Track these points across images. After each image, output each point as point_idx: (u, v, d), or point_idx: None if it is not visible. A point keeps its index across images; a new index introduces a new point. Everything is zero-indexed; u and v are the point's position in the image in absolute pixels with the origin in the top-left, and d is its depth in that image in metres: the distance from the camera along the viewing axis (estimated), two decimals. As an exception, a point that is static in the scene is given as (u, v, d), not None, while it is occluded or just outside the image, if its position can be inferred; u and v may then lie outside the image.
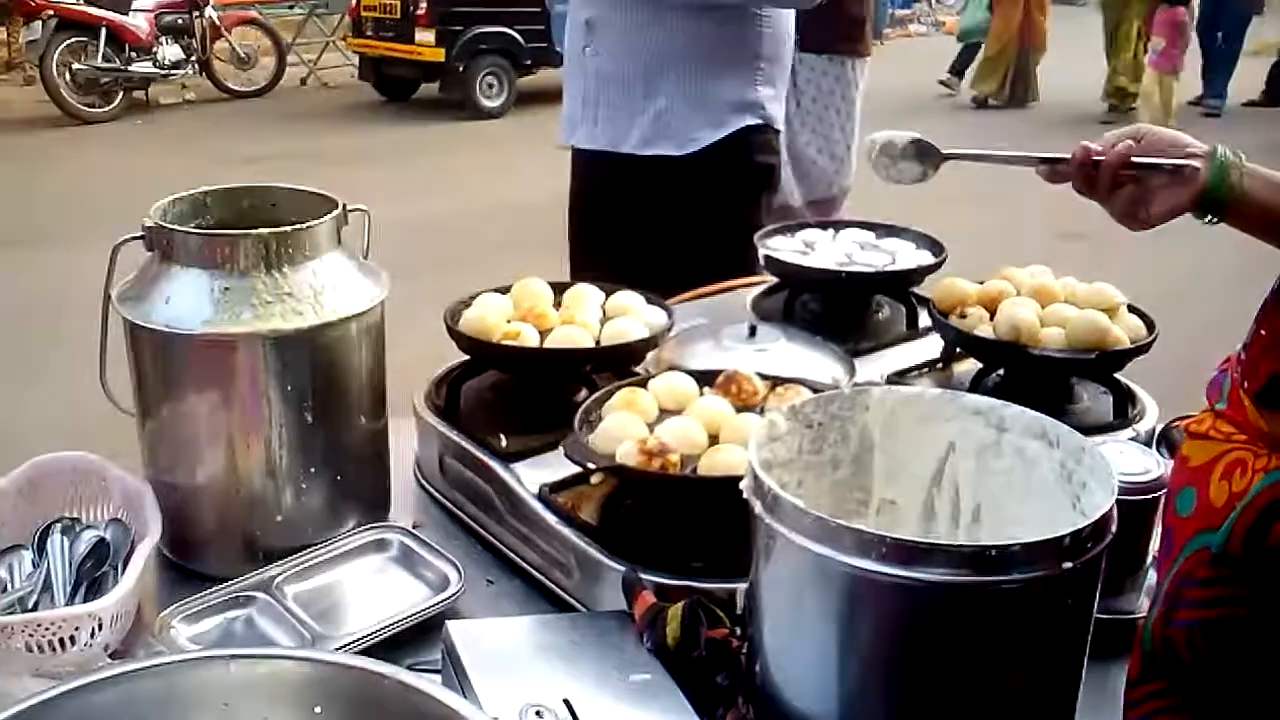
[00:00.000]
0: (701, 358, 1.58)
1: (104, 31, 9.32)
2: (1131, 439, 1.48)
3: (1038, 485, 1.05)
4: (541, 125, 9.85)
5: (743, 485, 0.98)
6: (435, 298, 1.62)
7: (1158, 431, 1.54)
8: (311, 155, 8.37)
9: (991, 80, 11.20)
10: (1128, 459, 1.25)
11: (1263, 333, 1.03)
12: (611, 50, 2.34)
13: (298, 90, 11.54)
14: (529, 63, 10.38)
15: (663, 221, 2.40)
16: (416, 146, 9.03)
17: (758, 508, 0.95)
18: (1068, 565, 0.86)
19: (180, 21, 10.16)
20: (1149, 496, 1.23)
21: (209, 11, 10.22)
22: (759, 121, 2.37)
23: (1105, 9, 10.83)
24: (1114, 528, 0.90)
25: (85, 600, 1.21)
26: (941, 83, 11.76)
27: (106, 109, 9.49)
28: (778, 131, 2.44)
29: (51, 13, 9.18)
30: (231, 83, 10.91)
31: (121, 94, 9.67)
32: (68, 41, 9.26)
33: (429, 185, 7.64)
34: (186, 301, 1.23)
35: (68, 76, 9.29)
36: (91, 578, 1.25)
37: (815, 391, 1.34)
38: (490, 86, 10.33)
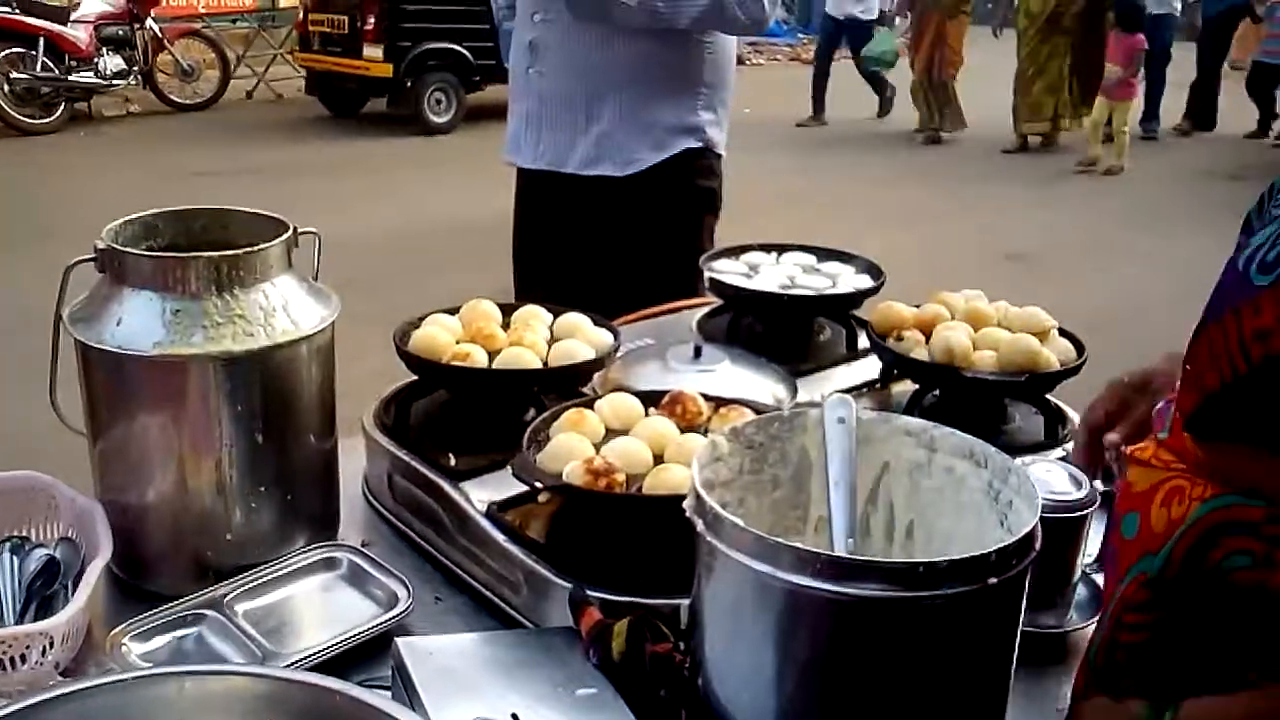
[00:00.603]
0: (648, 378, 1.62)
1: (42, 41, 9.22)
2: (1061, 458, 1.54)
3: (967, 503, 1.10)
4: (490, 141, 9.84)
5: (685, 504, 1.01)
6: (381, 314, 1.64)
7: (1086, 450, 1.59)
8: (258, 169, 8.34)
9: (915, 110, 11.06)
10: (1055, 478, 1.30)
11: (1187, 367, 1.07)
12: (555, 71, 2.38)
13: (243, 103, 11.47)
14: (477, 79, 10.40)
15: (606, 241, 2.44)
16: (364, 162, 9.02)
17: (699, 525, 0.98)
18: (993, 580, 0.90)
19: (121, 33, 10.08)
20: (1076, 515, 1.27)
21: (150, 23, 10.13)
22: (699, 145, 2.42)
23: (1022, 36, 10.37)
24: (1038, 545, 0.95)
25: (35, 619, 1.22)
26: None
27: (48, 120, 9.38)
28: (719, 156, 2.49)
29: (-13, 23, 9.08)
30: (175, 95, 10.83)
31: (63, 105, 9.57)
32: (5, 51, 9.15)
33: (376, 201, 7.64)
34: (138, 323, 1.25)
35: (5, 87, 9.17)
36: (41, 596, 1.26)
37: (757, 413, 1.38)
38: (439, 102, 10.35)
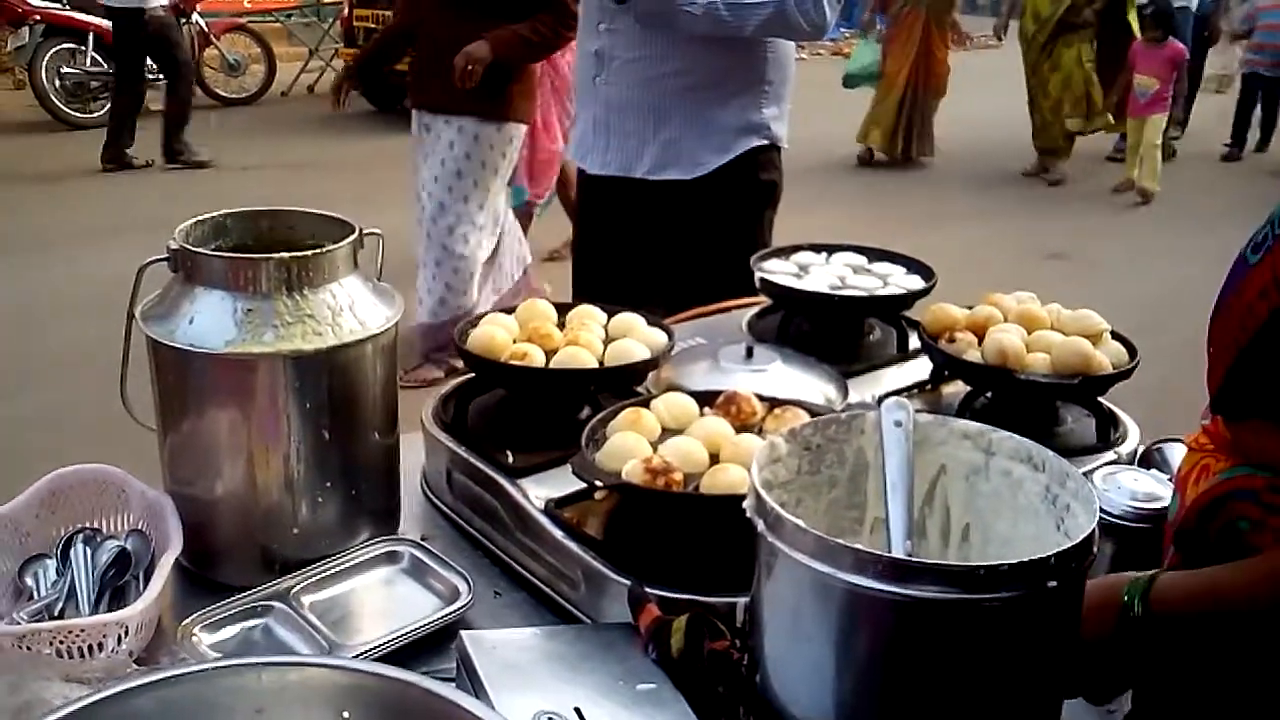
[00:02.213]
0: (700, 377, 1.64)
1: (92, 37, 9.33)
2: (1113, 460, 1.55)
3: (1023, 507, 1.11)
4: (532, 136, 9.88)
5: (746, 505, 1.03)
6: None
7: (1139, 453, 1.59)
8: (305, 164, 8.41)
9: (877, 130, 9.14)
10: (1142, 485, 1.32)
11: (1210, 350, 1.13)
12: (622, 80, 2.41)
13: (287, 98, 11.56)
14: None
15: (669, 241, 2.48)
16: (408, 157, 9.06)
17: (760, 526, 1.00)
18: (1052, 584, 0.92)
19: (168, 28, 10.16)
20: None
21: (196, 18, 10.23)
22: (765, 142, 2.45)
23: (1030, 42, 8.78)
24: (1095, 549, 0.96)
25: (109, 608, 1.26)
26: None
27: (97, 114, 9.51)
28: (780, 149, 2.52)
29: (39, 18, 9.20)
30: (221, 89, 10.93)
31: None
32: (57, 47, 9.27)
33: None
34: (210, 321, 1.28)
35: (57, 82, 9.30)
36: (114, 586, 1.30)
37: (811, 413, 1.40)
38: (481, 96, 10.37)
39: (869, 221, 6.89)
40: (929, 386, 1.76)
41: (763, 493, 1.01)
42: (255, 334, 1.28)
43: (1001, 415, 1.62)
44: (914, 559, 0.93)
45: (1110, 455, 1.56)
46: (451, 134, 4.11)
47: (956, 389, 1.74)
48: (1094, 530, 0.96)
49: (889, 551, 1.03)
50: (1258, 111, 10.00)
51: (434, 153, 4.18)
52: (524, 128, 4.30)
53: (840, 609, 0.96)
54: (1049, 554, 0.92)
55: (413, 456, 1.62)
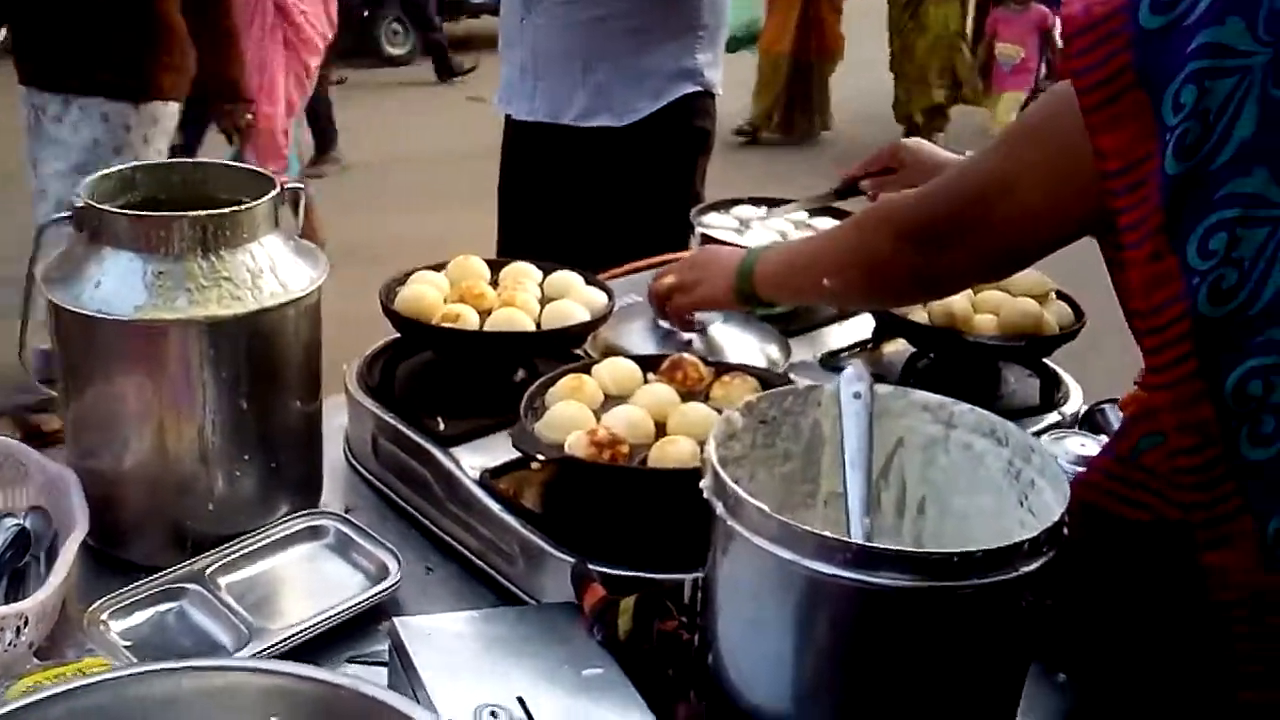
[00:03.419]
0: (639, 336, 1.58)
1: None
2: (1057, 422, 1.53)
3: (984, 480, 1.07)
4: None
5: (703, 484, 0.98)
6: (343, 254, 1.57)
7: (1082, 413, 1.57)
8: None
9: (759, 104, 7.87)
10: (1090, 450, 1.30)
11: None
12: (551, 23, 2.32)
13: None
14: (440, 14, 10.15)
15: (599, 191, 2.40)
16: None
17: (719, 509, 0.95)
18: (1026, 569, 0.88)
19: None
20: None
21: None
22: (699, 88, 2.39)
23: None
24: (1066, 530, 0.92)
25: (7, 593, 1.17)
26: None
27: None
28: (714, 96, 2.45)
29: None
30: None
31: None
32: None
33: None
34: (118, 285, 1.18)
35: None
36: (12, 569, 1.20)
37: (760, 379, 1.35)
38: (395, 34, 10.10)
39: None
40: (871, 345, 1.72)
41: (722, 473, 0.95)
42: (167, 298, 1.18)
43: (946, 375, 1.59)
44: (887, 547, 0.88)
45: (1054, 416, 1.54)
46: (73, 116, 3.11)
47: (898, 347, 1.70)
48: (1064, 512, 0.92)
49: (847, 529, 0.99)
50: None
51: (55, 141, 3.16)
52: (174, 106, 3.25)
53: (804, 596, 0.91)
54: (1023, 539, 0.88)
55: (334, 420, 1.53)
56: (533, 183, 2.51)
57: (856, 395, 1.07)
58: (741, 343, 1.60)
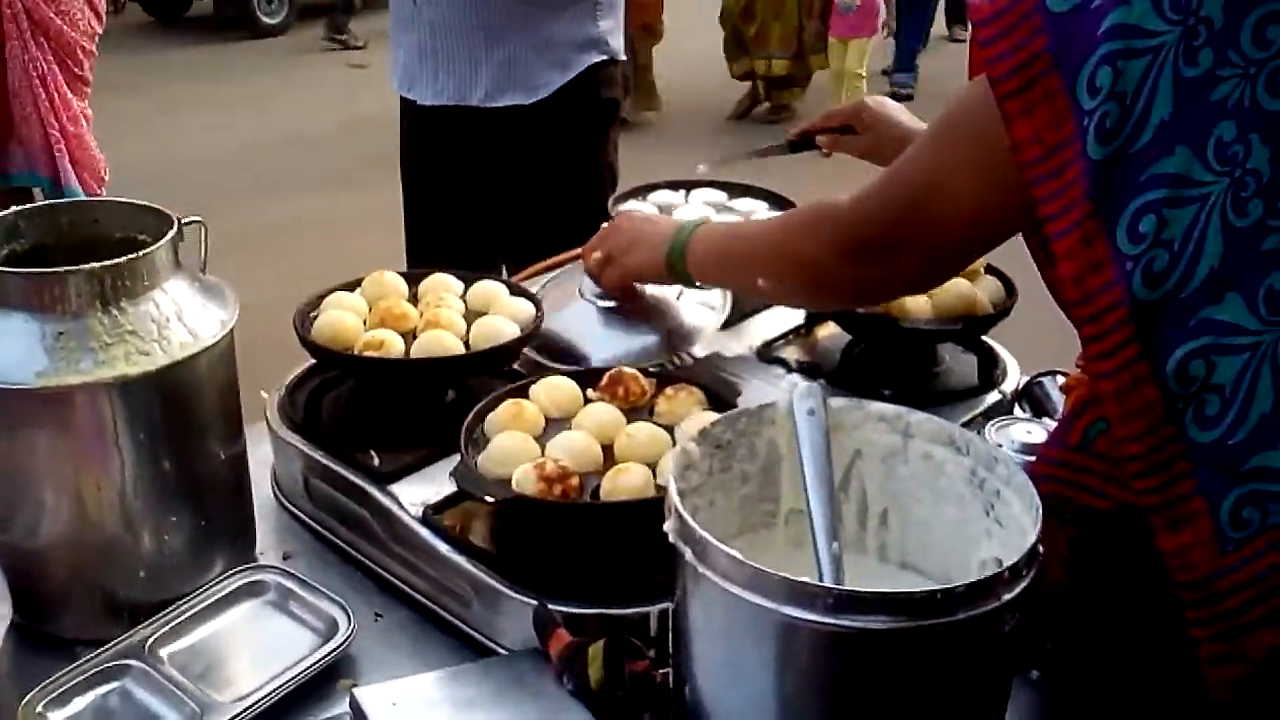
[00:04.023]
0: (575, 322, 1.55)
1: None
2: (997, 401, 1.52)
3: (947, 490, 1.05)
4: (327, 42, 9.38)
5: (667, 527, 0.94)
6: (226, 246, 1.48)
7: (1020, 388, 1.57)
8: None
9: None
10: (1037, 435, 1.29)
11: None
12: (448, 1, 2.23)
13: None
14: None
15: (511, 174, 2.35)
16: (190, 71, 8.47)
17: (688, 554, 0.91)
18: (1007, 596, 0.86)
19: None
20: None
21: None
22: (604, 57, 2.34)
23: None
24: (1041, 549, 0.91)
25: (-74, 691, 1.09)
26: None
27: None
28: (618, 63, 2.40)
29: None
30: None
31: None
32: None
33: (208, 114, 7.19)
34: (15, 351, 1.09)
35: None
36: (-70, 662, 1.13)
37: (704, 388, 1.31)
38: (269, 1, 9.76)
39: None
40: (804, 331, 1.69)
41: (688, 518, 0.91)
42: (70, 361, 1.10)
43: (883, 360, 1.57)
44: (865, 590, 0.85)
45: (994, 396, 1.53)
46: None
47: (831, 331, 1.68)
48: (1039, 532, 0.90)
49: (815, 556, 0.97)
50: None
51: None
52: None
53: (781, 642, 0.88)
54: (1003, 568, 0.86)
55: (258, 451, 1.44)
56: (440, 169, 2.43)
57: (810, 412, 1.04)
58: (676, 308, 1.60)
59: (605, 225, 1.57)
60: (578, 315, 1.57)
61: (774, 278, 1.27)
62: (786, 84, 7.40)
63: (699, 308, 1.62)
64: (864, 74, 6.89)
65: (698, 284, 1.45)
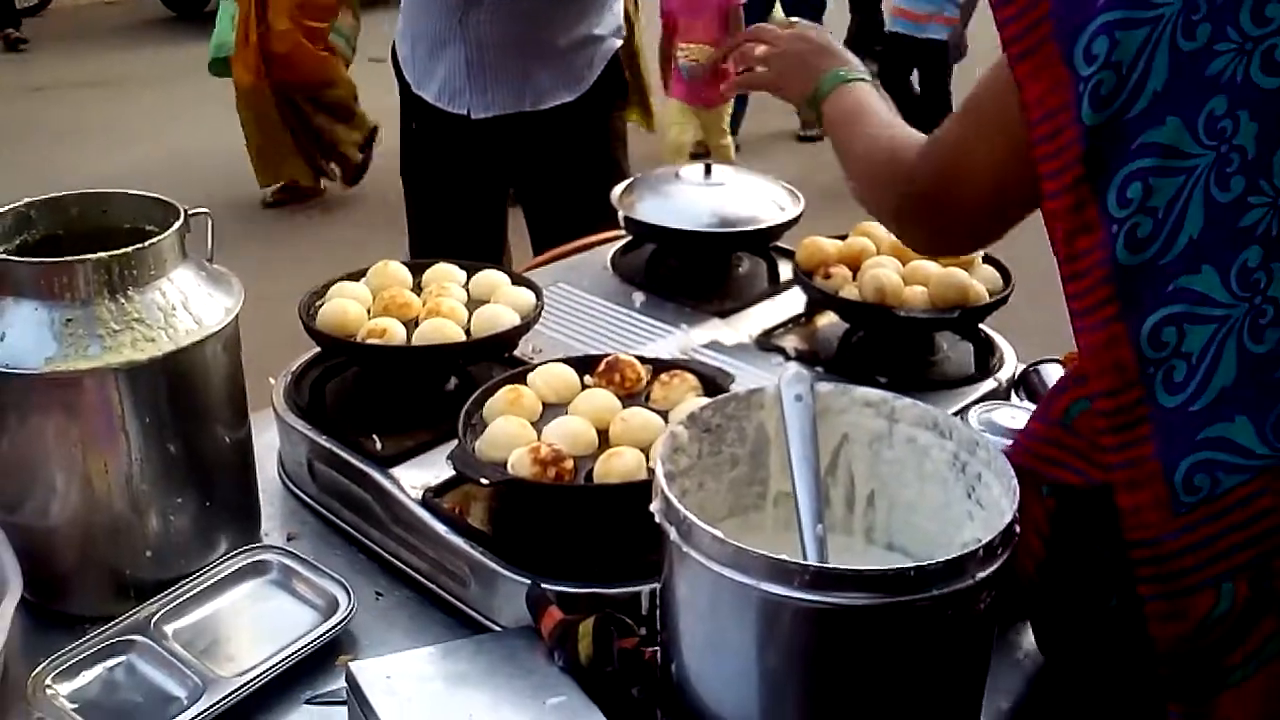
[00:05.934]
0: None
1: None
2: (993, 390, 1.54)
3: (931, 474, 1.07)
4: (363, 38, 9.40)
5: (654, 508, 0.96)
6: (256, 235, 1.52)
7: (1017, 376, 1.58)
8: (100, 81, 7.80)
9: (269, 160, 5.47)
10: (1019, 421, 1.30)
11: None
12: (494, 16, 2.27)
13: (77, 8, 10.71)
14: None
15: (544, 165, 2.43)
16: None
17: (673, 534, 0.94)
18: (981, 575, 0.88)
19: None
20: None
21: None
22: (621, 41, 2.43)
23: None
24: (1018, 529, 0.93)
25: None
26: None
27: None
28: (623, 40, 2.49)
29: None
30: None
31: None
32: None
33: (230, 110, 7.23)
34: (25, 337, 1.13)
35: None
36: (-55, 638, 1.16)
37: (699, 374, 1.34)
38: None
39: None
40: (803, 320, 1.71)
41: (673, 498, 0.94)
42: (79, 347, 1.13)
43: (881, 348, 1.59)
44: (843, 567, 0.87)
45: (990, 383, 1.55)
46: None
47: (831, 320, 1.70)
48: (1015, 513, 0.92)
49: (800, 538, 0.99)
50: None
51: None
52: None
53: (762, 618, 0.90)
54: (977, 546, 0.88)
55: (263, 436, 1.47)
56: (453, 172, 2.47)
57: (798, 398, 1.06)
58: (756, 189, 1.82)
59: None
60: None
61: (863, 186, 1.29)
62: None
63: (770, 205, 1.78)
64: (727, 137, 5.56)
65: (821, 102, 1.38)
